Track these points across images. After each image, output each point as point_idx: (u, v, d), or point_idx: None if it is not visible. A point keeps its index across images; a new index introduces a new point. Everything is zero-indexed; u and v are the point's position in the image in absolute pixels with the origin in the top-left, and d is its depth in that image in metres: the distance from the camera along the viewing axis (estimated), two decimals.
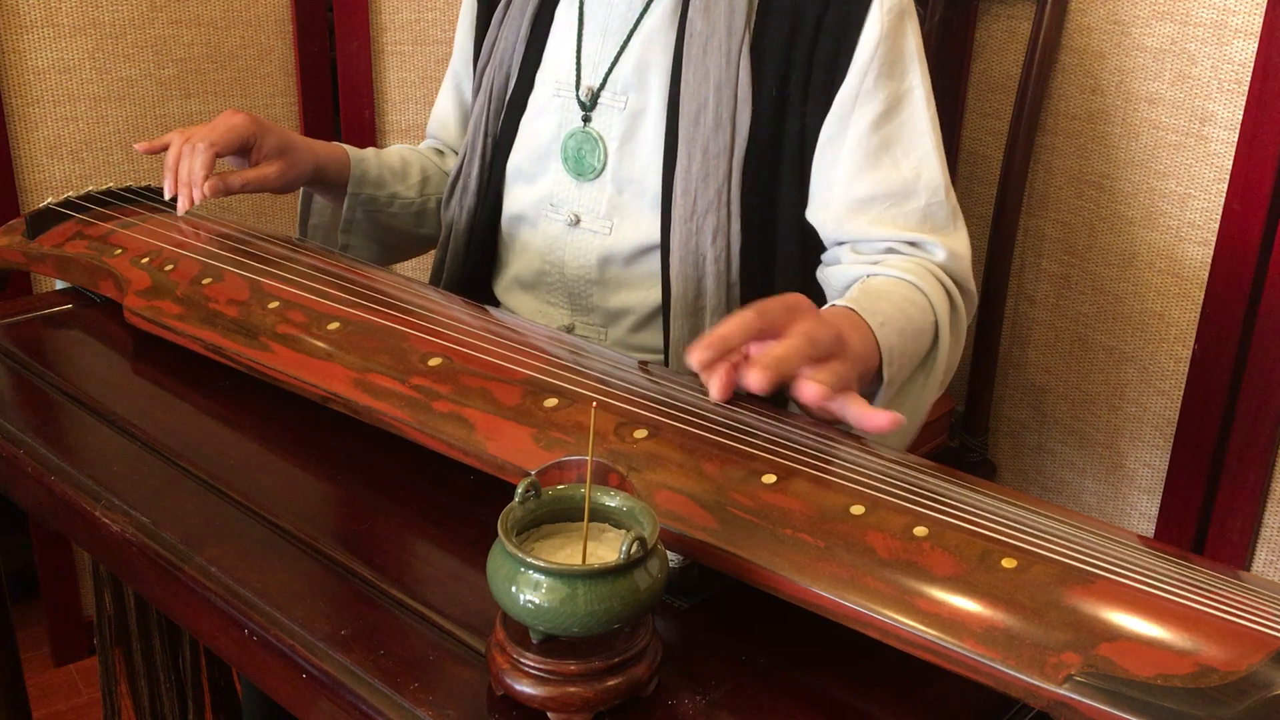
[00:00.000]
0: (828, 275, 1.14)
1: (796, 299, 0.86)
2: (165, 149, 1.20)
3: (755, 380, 0.80)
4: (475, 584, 0.77)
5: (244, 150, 1.21)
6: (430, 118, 1.43)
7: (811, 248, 1.16)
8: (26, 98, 1.74)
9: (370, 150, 1.34)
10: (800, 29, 1.09)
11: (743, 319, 0.83)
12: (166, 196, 1.19)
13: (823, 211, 1.12)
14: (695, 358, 0.82)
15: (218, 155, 1.18)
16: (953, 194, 1.12)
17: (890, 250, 1.10)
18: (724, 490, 0.76)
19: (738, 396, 0.91)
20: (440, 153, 1.42)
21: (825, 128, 1.10)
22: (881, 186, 1.09)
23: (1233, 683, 0.59)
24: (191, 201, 1.17)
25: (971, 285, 1.13)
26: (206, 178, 1.15)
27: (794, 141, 1.11)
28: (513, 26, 1.25)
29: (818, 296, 1.16)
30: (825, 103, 1.10)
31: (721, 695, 0.69)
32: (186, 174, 1.17)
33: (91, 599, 1.69)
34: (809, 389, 0.81)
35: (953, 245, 1.10)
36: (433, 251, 1.38)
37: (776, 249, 1.15)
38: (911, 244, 1.10)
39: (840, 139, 1.10)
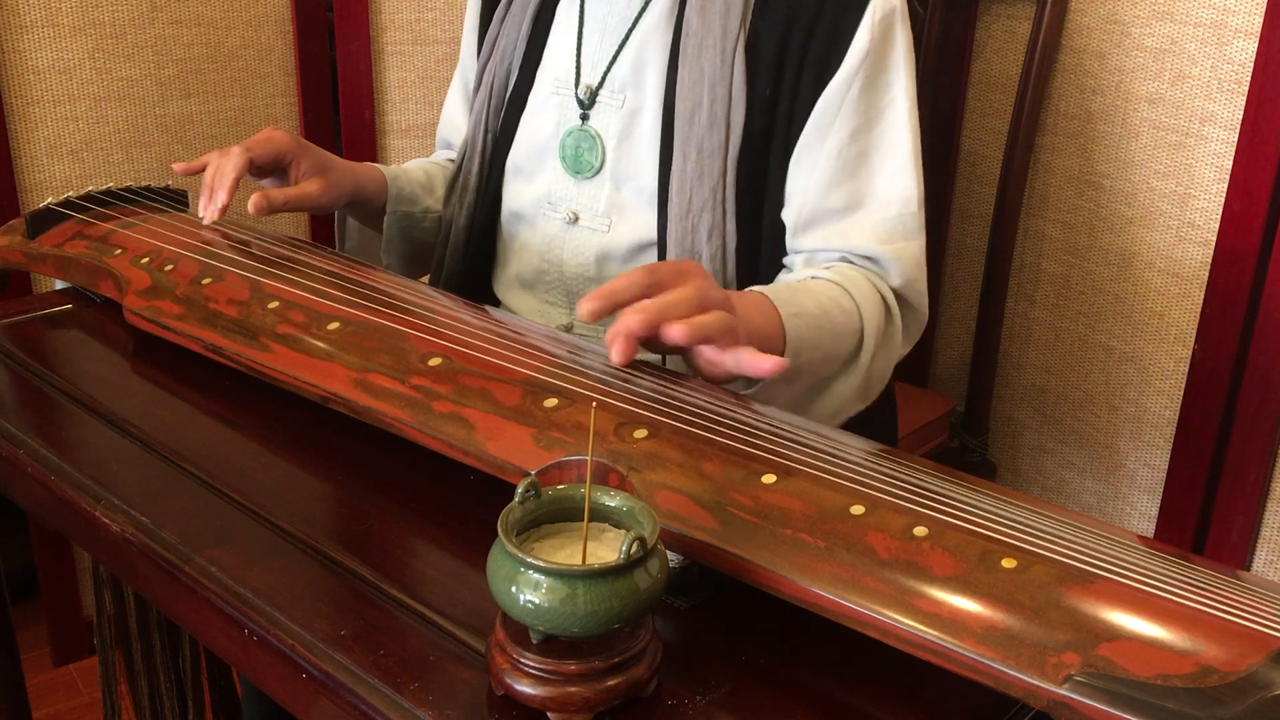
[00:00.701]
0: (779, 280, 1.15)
1: (689, 263, 0.89)
2: (203, 169, 1.17)
3: (634, 323, 0.83)
4: (475, 584, 0.77)
5: (281, 167, 1.18)
6: (441, 122, 1.43)
7: None
8: (26, 98, 1.74)
9: (396, 167, 1.34)
10: (794, 31, 1.10)
11: (633, 276, 0.86)
12: (199, 215, 1.15)
13: (795, 215, 1.13)
14: (585, 308, 0.85)
15: (252, 162, 1.14)
16: (923, 207, 1.13)
17: (844, 260, 1.11)
18: (724, 490, 0.76)
19: (736, 395, 0.91)
20: (454, 162, 1.42)
21: (805, 132, 1.10)
22: (855, 198, 1.10)
23: (1233, 683, 0.59)
24: (214, 202, 1.13)
25: (922, 304, 1.13)
26: (237, 180, 1.12)
27: (781, 142, 1.12)
28: (514, 24, 1.25)
29: None
30: (811, 106, 1.10)
31: (721, 695, 0.69)
32: (211, 176, 1.14)
33: (91, 599, 1.69)
34: (676, 329, 0.83)
35: (906, 265, 1.11)
36: None
37: (768, 248, 1.15)
38: (869, 259, 1.11)
39: (819, 146, 1.10)
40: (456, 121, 1.40)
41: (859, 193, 1.10)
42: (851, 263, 1.11)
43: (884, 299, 1.09)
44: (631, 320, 0.83)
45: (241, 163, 1.13)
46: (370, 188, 1.27)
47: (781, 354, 0.96)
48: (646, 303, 0.84)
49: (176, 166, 1.20)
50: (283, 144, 1.17)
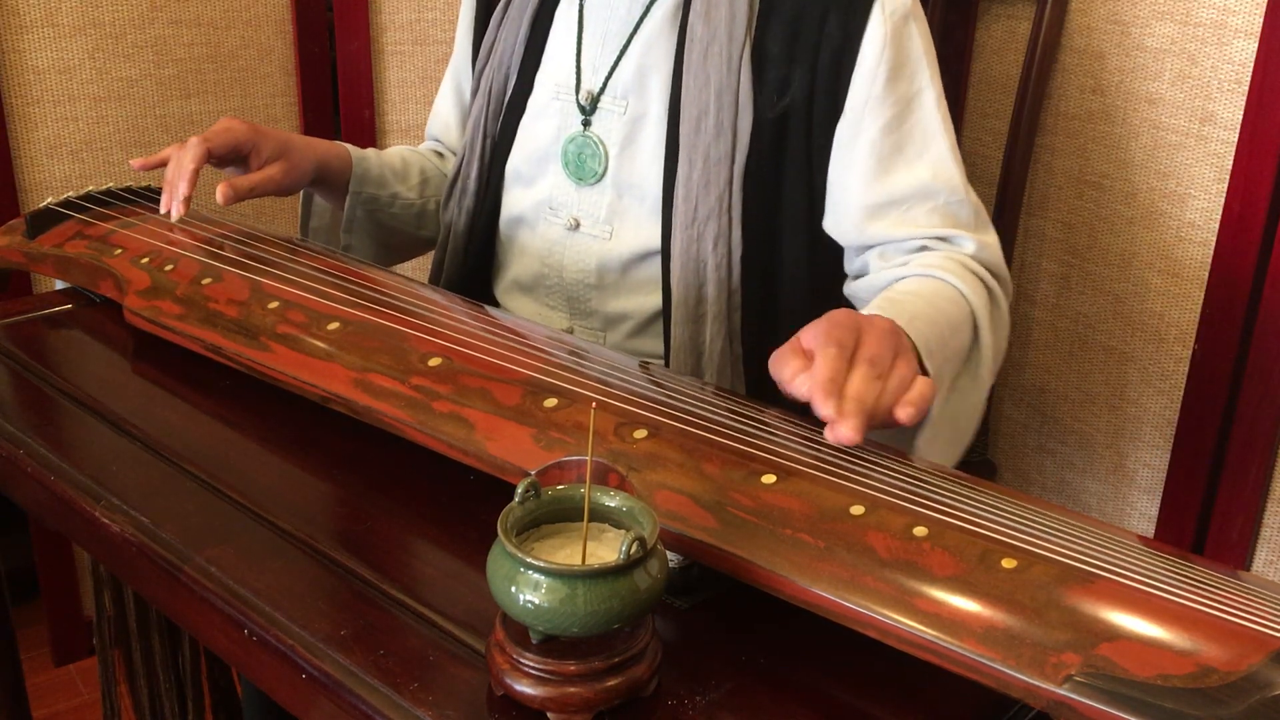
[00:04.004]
0: (856, 289, 1.13)
1: (841, 316, 0.83)
2: (163, 164, 1.17)
3: (850, 433, 0.76)
4: (475, 584, 0.77)
5: (241, 157, 1.18)
6: (430, 118, 1.43)
7: (821, 255, 1.15)
8: (26, 98, 1.74)
9: (371, 150, 1.34)
10: (801, 36, 1.09)
11: (835, 356, 0.79)
12: (162, 211, 1.15)
13: (844, 221, 1.11)
14: (840, 429, 0.76)
15: (211, 153, 1.14)
16: (973, 193, 1.11)
17: (921, 248, 1.08)
18: (724, 490, 0.76)
19: (734, 395, 0.91)
20: (440, 155, 1.42)
21: (838, 136, 1.09)
22: (898, 190, 1.09)
23: (1233, 683, 0.59)
24: (175, 195, 1.12)
25: (1005, 272, 1.10)
26: (197, 171, 1.12)
27: (798, 148, 1.11)
28: (512, 27, 1.25)
29: (825, 304, 1.16)
30: (831, 109, 1.09)
31: (721, 695, 0.69)
32: (172, 172, 1.14)
33: (91, 599, 1.69)
34: (906, 414, 0.79)
35: (981, 238, 1.09)
36: (432, 252, 1.38)
37: (782, 256, 1.14)
38: (940, 239, 1.08)
39: (853, 146, 1.09)
40: (447, 121, 1.40)
41: (902, 186, 1.08)
42: (928, 248, 1.08)
43: (979, 275, 1.06)
44: (850, 436, 0.76)
45: (200, 153, 1.13)
46: (334, 165, 1.26)
47: (921, 364, 0.91)
48: (847, 407, 0.77)
49: (134, 163, 1.19)
50: (240, 134, 1.17)
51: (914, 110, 1.09)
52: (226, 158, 1.18)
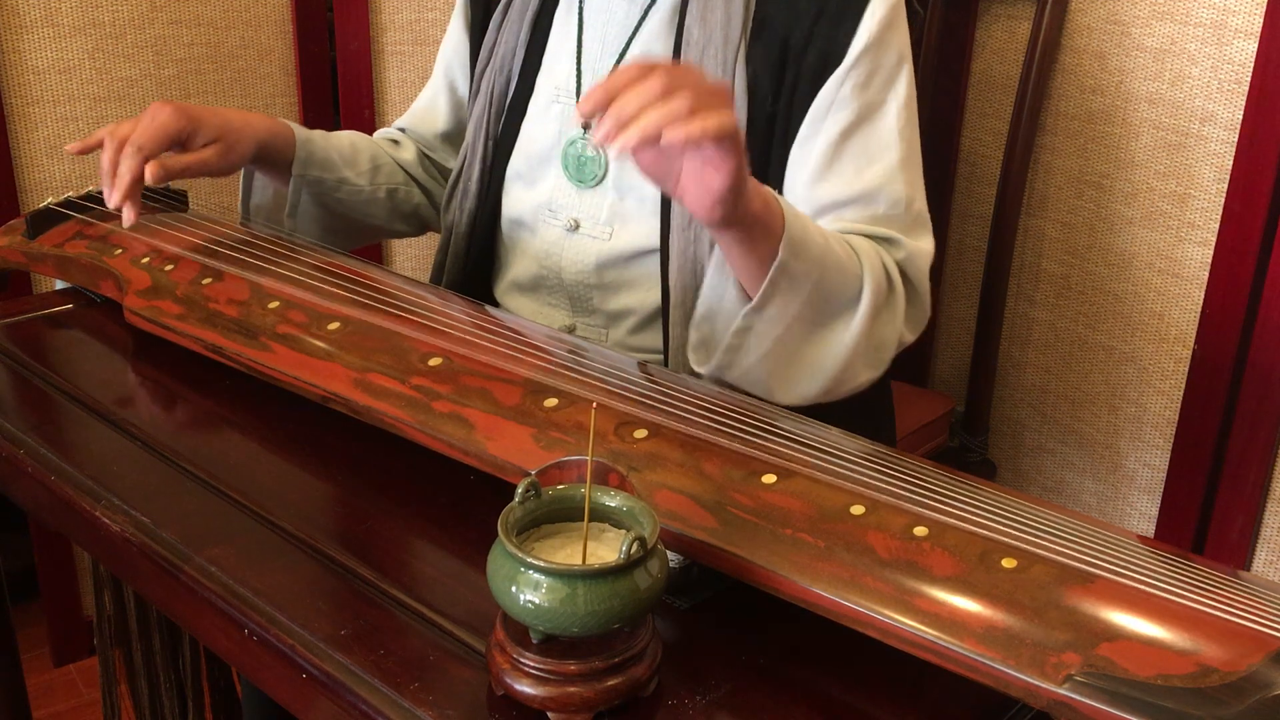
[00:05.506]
0: None
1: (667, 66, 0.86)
2: (97, 146, 1.13)
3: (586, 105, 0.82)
4: (475, 584, 0.77)
5: (177, 145, 1.14)
6: (412, 108, 1.41)
7: None
8: (26, 98, 1.74)
9: (318, 132, 1.30)
10: (793, 39, 1.10)
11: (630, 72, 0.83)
12: (110, 206, 1.11)
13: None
14: (583, 109, 0.83)
15: (147, 159, 1.10)
16: (917, 206, 1.12)
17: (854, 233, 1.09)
18: (724, 490, 0.76)
19: (736, 394, 0.91)
20: (395, 143, 1.39)
21: (801, 130, 1.10)
22: (842, 193, 1.10)
23: (1233, 683, 0.59)
24: (127, 215, 1.09)
25: (924, 285, 1.12)
26: (139, 183, 1.09)
27: (781, 149, 1.12)
28: (512, 30, 1.25)
29: None
30: (808, 104, 1.10)
31: (721, 695, 0.69)
32: (110, 171, 1.10)
33: (91, 599, 1.69)
34: (678, 133, 0.81)
35: (916, 243, 1.10)
36: (432, 252, 1.38)
37: None
38: (883, 239, 1.09)
39: (809, 143, 1.10)
40: (431, 105, 1.38)
41: (846, 190, 1.10)
42: (861, 234, 1.10)
43: (885, 264, 1.07)
44: (601, 137, 0.81)
45: (137, 164, 1.10)
46: (275, 144, 1.22)
47: (779, 239, 0.94)
48: (647, 102, 0.81)
49: (70, 147, 1.15)
50: (172, 127, 1.13)
51: (875, 119, 1.10)
52: (158, 153, 1.13)
